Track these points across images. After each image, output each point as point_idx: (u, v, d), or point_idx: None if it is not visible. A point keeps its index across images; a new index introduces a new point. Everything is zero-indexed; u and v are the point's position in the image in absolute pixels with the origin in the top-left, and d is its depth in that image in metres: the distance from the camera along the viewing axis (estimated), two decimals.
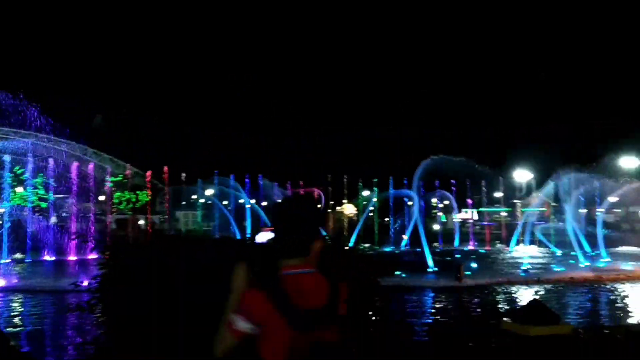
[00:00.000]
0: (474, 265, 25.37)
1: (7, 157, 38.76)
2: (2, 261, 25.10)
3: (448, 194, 51.07)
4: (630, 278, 22.43)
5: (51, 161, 43.36)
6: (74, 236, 30.36)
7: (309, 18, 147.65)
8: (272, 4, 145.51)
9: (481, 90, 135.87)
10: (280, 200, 2.87)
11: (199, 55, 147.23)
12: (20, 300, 18.51)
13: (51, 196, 43.95)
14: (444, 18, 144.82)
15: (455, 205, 52.01)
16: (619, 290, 19.43)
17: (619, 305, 17.04)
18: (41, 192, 43.71)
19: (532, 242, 41.52)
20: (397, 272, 21.18)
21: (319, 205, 2.81)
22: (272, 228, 2.71)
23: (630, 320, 14.27)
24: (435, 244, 39.46)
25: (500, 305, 16.64)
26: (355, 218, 52.06)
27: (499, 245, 41.71)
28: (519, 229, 41.95)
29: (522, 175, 56.02)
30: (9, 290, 20.08)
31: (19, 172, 42.20)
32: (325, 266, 2.72)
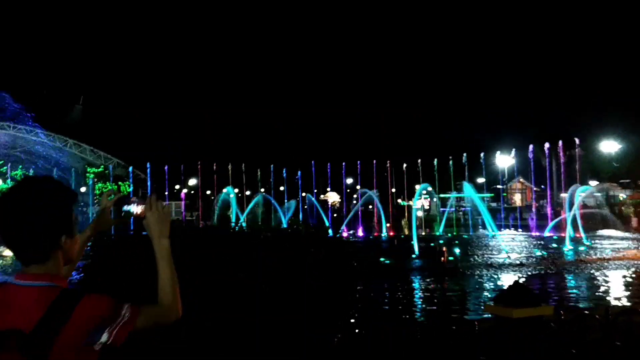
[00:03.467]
0: (457, 250, 25.56)
1: None
2: None
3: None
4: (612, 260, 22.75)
5: (31, 153, 42.96)
6: None
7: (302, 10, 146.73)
8: None
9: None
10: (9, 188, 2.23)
11: (189, 46, 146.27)
12: None
13: None
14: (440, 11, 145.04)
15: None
16: (601, 274, 19.68)
17: (600, 288, 17.26)
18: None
19: (514, 227, 42.01)
20: (382, 259, 21.30)
21: (60, 195, 2.17)
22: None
23: (611, 303, 14.47)
24: (419, 231, 39.71)
25: (484, 290, 16.80)
26: (338, 206, 52.17)
27: (481, 231, 42.04)
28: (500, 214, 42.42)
29: (503, 160, 56.41)
30: None
31: None
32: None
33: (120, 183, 51.01)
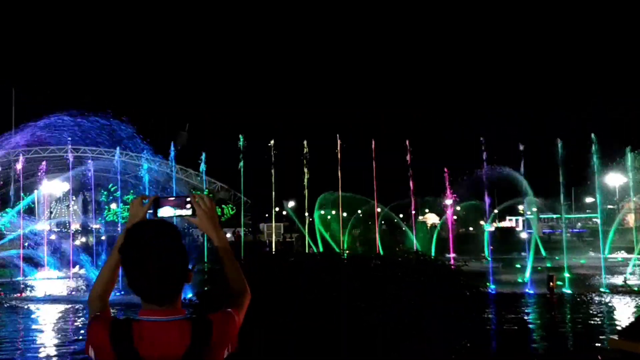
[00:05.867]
0: (566, 275, 24.36)
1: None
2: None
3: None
4: None
5: (141, 178, 45.26)
6: None
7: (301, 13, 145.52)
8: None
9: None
10: (132, 229, 2.30)
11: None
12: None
13: None
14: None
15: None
16: None
17: None
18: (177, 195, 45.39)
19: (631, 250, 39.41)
20: (487, 284, 20.67)
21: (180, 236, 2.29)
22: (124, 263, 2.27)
23: None
24: (523, 254, 38.16)
25: (599, 319, 15.85)
26: (438, 228, 51.15)
27: (591, 254, 39.82)
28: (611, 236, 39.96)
29: (615, 178, 53.38)
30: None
31: (112, 189, 44.41)
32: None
33: (223, 206, 52.94)
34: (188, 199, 2.48)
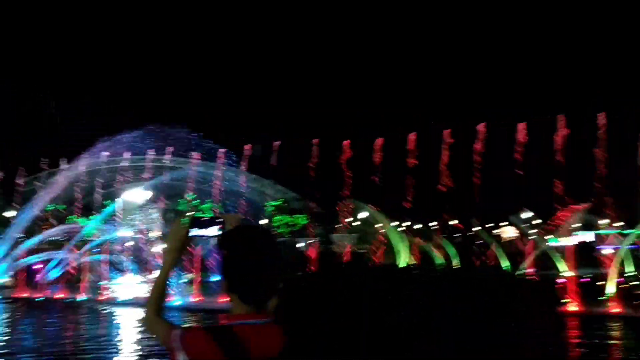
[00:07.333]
0: None
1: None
2: (180, 281, 27.24)
3: None
4: None
5: (218, 187, 46.42)
6: None
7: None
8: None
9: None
10: (233, 230, 2.46)
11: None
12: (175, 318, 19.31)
13: None
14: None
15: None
16: None
17: None
18: (209, 216, 46.53)
19: None
20: (565, 300, 20.00)
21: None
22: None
23: None
24: (605, 270, 36.47)
25: None
26: (519, 244, 49.63)
27: None
28: None
29: None
30: (176, 309, 21.59)
31: (190, 197, 45.78)
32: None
33: (297, 215, 53.44)
34: (219, 220, 2.60)
